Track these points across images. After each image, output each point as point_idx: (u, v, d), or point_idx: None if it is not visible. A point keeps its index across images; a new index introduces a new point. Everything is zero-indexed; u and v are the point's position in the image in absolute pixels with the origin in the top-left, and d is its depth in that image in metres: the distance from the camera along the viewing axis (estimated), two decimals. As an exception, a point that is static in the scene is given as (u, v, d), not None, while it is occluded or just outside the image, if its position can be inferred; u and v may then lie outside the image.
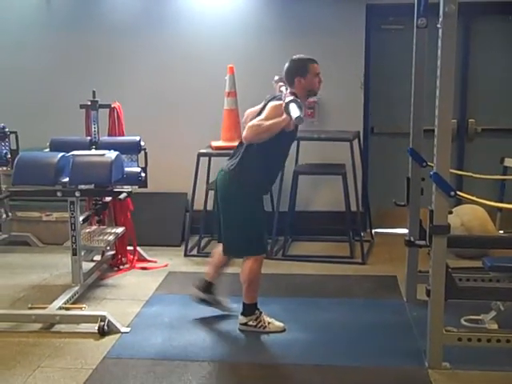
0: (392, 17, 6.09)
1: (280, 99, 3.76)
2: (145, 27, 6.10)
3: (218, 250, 4.20)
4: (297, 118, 3.46)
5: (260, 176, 3.91)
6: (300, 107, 3.53)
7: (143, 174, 4.95)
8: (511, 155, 5.77)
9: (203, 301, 4.23)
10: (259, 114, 3.85)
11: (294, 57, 3.95)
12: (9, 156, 5.17)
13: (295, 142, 5.71)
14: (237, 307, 4.12)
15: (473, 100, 6.16)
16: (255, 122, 3.74)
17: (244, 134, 3.74)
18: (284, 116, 3.61)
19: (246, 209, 3.89)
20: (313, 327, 4.08)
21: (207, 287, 4.21)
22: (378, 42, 6.13)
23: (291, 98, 3.63)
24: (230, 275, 4.90)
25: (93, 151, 4.85)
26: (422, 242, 3.80)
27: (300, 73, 3.87)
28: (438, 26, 3.23)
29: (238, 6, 6.02)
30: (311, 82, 3.89)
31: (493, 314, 3.89)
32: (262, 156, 3.83)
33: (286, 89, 3.87)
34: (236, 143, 5.58)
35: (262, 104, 3.95)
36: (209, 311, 4.30)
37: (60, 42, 6.16)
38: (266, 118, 3.71)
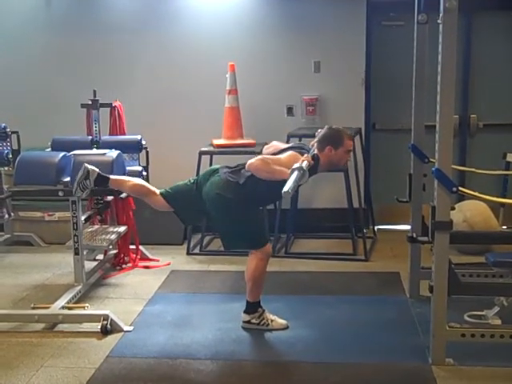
0: (392, 13, 6.07)
1: (304, 153, 3.82)
2: (145, 26, 6.09)
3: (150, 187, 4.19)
4: (285, 192, 3.50)
5: (253, 201, 3.91)
6: (299, 179, 3.55)
7: (144, 173, 4.95)
8: (514, 150, 5.77)
9: (85, 179, 4.07)
10: (281, 151, 3.92)
11: (334, 126, 4.02)
12: (10, 156, 5.17)
13: (297, 140, 5.71)
14: (240, 306, 4.10)
15: (474, 95, 6.14)
16: (269, 158, 3.81)
17: (252, 160, 3.78)
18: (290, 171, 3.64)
19: (240, 211, 3.87)
20: (316, 324, 4.07)
21: (101, 181, 4.11)
22: (378, 38, 6.12)
23: (301, 165, 3.61)
24: (233, 273, 4.92)
25: (94, 150, 4.85)
26: (425, 239, 3.79)
27: (333, 143, 3.91)
28: (439, 21, 3.22)
29: (239, 4, 6.00)
30: (340, 156, 3.95)
31: (496, 309, 3.88)
32: (261, 190, 3.83)
33: (313, 150, 3.91)
34: (238, 141, 5.59)
35: (290, 145, 4.03)
36: (211, 309, 4.30)
37: (61, 42, 6.15)
38: (278, 162, 3.75)
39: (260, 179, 3.79)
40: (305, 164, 3.64)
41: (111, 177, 4.16)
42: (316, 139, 4.01)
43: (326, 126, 4.06)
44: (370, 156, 6.27)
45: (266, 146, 4.26)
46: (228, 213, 3.90)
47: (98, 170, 4.11)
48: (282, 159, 3.81)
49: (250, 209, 3.93)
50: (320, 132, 4.04)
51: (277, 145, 4.14)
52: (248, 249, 3.98)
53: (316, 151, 3.92)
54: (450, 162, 3.35)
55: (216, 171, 4.00)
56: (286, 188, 3.50)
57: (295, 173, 3.58)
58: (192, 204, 4.05)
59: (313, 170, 3.81)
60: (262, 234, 4.02)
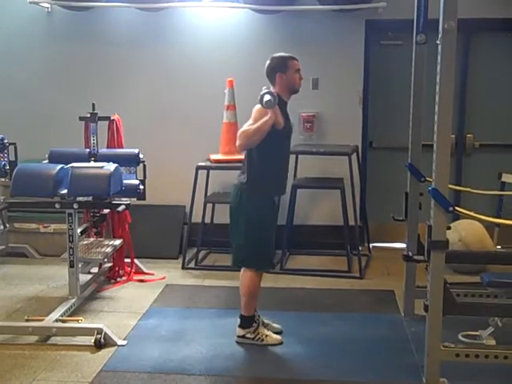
0: (391, 32, 6.12)
1: None
2: (145, 40, 6.12)
3: None
4: (267, 101, 3.65)
5: (269, 180, 3.93)
6: (273, 96, 3.68)
7: (141, 187, 4.95)
8: (509, 170, 5.79)
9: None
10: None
11: (275, 54, 3.99)
12: (7, 167, 5.18)
13: (294, 156, 5.73)
14: (234, 321, 4.09)
15: (471, 115, 6.18)
16: (243, 128, 3.81)
17: (236, 143, 3.81)
18: (269, 114, 3.69)
19: (255, 222, 3.89)
20: (310, 341, 4.07)
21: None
22: (376, 57, 6.16)
23: (265, 90, 3.75)
24: (228, 288, 4.90)
25: (91, 163, 4.85)
26: (420, 257, 3.79)
27: (280, 69, 3.91)
28: (438, 42, 3.24)
29: (238, 20, 6.04)
30: (292, 77, 3.93)
31: (490, 329, 3.88)
32: (265, 161, 3.85)
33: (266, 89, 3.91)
34: (235, 156, 5.61)
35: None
36: (206, 324, 4.29)
37: (60, 54, 6.18)
38: (253, 122, 3.77)
39: (261, 159, 3.82)
40: (265, 90, 3.76)
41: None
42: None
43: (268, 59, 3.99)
44: (367, 174, 6.28)
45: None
46: (245, 219, 3.89)
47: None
48: (252, 119, 3.80)
49: (267, 209, 3.94)
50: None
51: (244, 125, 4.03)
52: (251, 267, 3.96)
53: (271, 88, 3.89)
54: (447, 181, 3.35)
55: (232, 185, 4.02)
56: (266, 99, 3.66)
57: (265, 95, 3.70)
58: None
59: (281, 102, 3.83)
60: (270, 257, 4.05)
